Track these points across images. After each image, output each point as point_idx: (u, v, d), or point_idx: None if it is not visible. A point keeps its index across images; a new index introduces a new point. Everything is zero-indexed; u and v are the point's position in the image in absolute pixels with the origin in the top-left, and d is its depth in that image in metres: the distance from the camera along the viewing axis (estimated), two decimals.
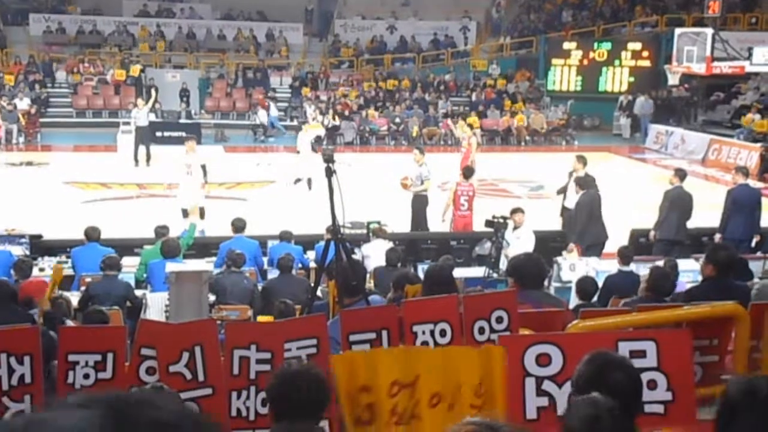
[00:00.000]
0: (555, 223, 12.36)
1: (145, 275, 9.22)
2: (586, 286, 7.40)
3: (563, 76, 29.91)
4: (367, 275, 8.26)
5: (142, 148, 20.28)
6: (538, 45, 30.53)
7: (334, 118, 25.36)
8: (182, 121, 25.42)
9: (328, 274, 6.49)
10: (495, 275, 9.52)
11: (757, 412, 2.32)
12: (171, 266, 7.80)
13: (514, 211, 10.66)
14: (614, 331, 4.20)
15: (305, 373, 3.14)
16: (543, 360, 3.57)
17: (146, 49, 29.94)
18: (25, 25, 30.38)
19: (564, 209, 12.25)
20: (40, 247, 10.66)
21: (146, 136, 20.53)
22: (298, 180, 17.01)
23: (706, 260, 5.93)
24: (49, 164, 20.57)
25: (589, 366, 2.81)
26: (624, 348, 3.60)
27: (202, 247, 10.75)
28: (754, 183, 13.85)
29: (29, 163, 20.89)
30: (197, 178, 13.61)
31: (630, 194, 16.34)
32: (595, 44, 29.81)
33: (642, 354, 3.61)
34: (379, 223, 10.99)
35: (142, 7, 32.11)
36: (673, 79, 22.60)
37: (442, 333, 4.14)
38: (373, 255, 9.80)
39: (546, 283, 8.03)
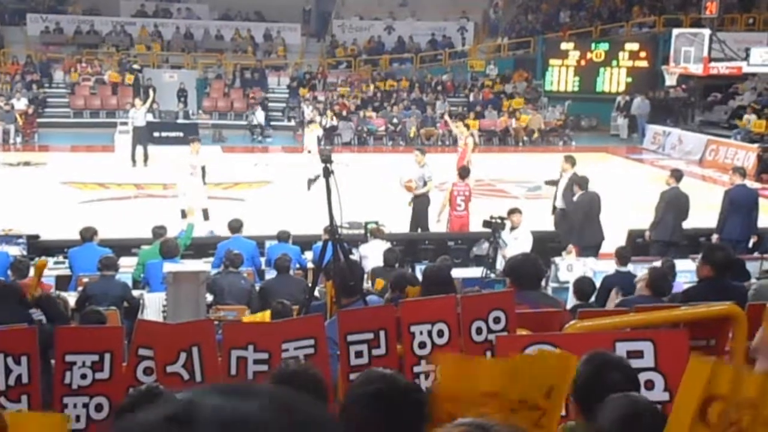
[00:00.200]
0: (552, 224, 12.36)
1: (142, 275, 9.21)
2: (583, 286, 7.40)
3: (561, 77, 29.94)
4: (365, 275, 8.26)
5: (139, 149, 20.27)
6: (535, 45, 30.55)
7: (331, 119, 25.36)
8: (180, 121, 25.39)
9: (326, 274, 6.49)
10: (492, 276, 9.52)
11: None
12: (168, 266, 7.80)
13: (512, 211, 10.67)
14: (612, 331, 4.20)
15: (303, 374, 3.13)
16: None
17: (144, 50, 29.93)
18: (23, 25, 30.35)
19: (554, 208, 12.28)
20: (37, 247, 10.65)
21: (144, 136, 20.51)
22: (314, 178, 16.90)
23: (703, 261, 5.93)
24: (47, 164, 20.55)
25: (587, 366, 2.82)
26: (621, 348, 3.60)
27: (200, 248, 10.75)
28: (751, 183, 13.86)
29: (26, 164, 20.87)
30: (201, 179, 13.69)
31: (627, 195, 16.36)
32: (593, 45, 29.83)
33: (639, 354, 3.62)
34: (376, 223, 10.99)
35: (140, 8, 32.09)
36: (670, 80, 22.63)
37: (440, 333, 4.15)
38: (371, 255, 9.81)
39: (543, 283, 8.03)
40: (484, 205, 13.42)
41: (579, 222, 11.00)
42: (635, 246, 10.86)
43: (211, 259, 9.99)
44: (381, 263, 9.02)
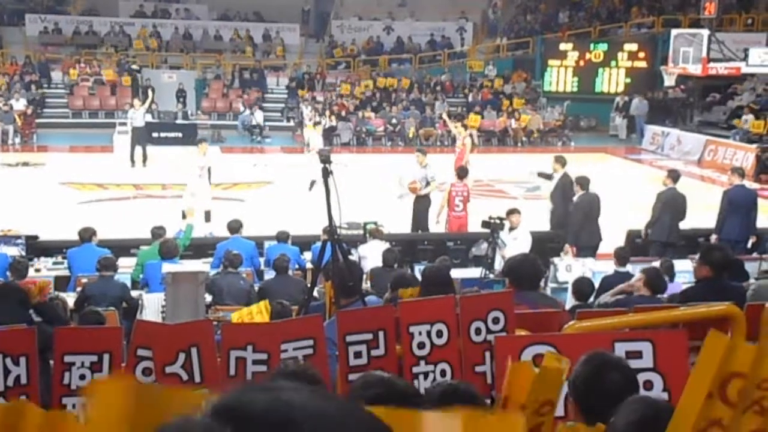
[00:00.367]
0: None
1: (141, 276, 9.21)
2: (582, 286, 7.41)
3: (560, 77, 29.95)
4: (364, 276, 8.26)
5: (138, 149, 20.26)
6: (534, 46, 30.56)
7: (330, 119, 25.35)
8: (179, 121, 25.39)
9: (325, 274, 6.49)
10: (491, 276, 9.52)
11: None
12: (167, 267, 7.80)
13: (511, 212, 10.67)
14: (610, 331, 4.20)
15: (302, 374, 3.13)
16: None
17: (141, 46, 29.92)
18: (21, 25, 30.33)
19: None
20: (36, 248, 10.64)
21: (143, 136, 20.50)
22: (315, 181, 16.92)
23: (701, 261, 5.93)
24: (46, 165, 20.54)
25: (586, 367, 2.82)
26: (620, 349, 3.60)
27: (199, 248, 10.75)
28: (750, 184, 13.86)
29: (25, 164, 20.86)
30: (208, 180, 13.82)
31: (626, 195, 16.36)
32: (592, 45, 29.85)
33: (638, 355, 3.62)
34: (375, 223, 10.99)
35: (139, 8, 32.09)
36: (669, 80, 22.64)
37: (439, 334, 4.15)
38: (370, 256, 9.81)
39: (542, 283, 8.03)
40: (483, 205, 13.42)
41: (578, 222, 11.00)
42: (634, 246, 10.86)
43: (210, 259, 9.99)
44: (380, 264, 9.02)
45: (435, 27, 32.33)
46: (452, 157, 17.19)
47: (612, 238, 10.97)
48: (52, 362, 4.19)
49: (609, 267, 8.87)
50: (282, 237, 10.25)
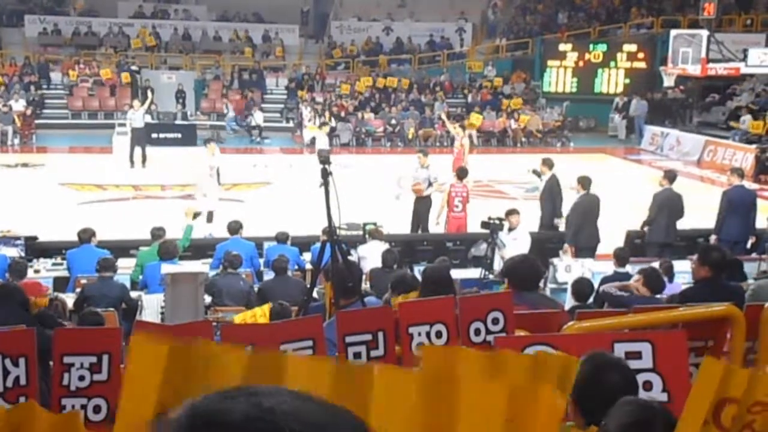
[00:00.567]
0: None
1: (140, 277, 9.20)
2: (581, 287, 7.41)
3: (559, 78, 29.96)
4: (363, 276, 8.25)
5: (137, 150, 20.26)
6: (533, 46, 30.57)
7: (330, 120, 25.35)
8: (178, 122, 25.40)
9: (325, 275, 6.49)
10: (491, 277, 9.52)
11: None
12: (167, 268, 7.80)
13: (510, 212, 10.67)
14: (610, 332, 4.20)
15: None
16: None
17: (140, 45, 29.91)
18: (21, 26, 30.32)
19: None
20: (35, 248, 10.64)
21: (142, 137, 20.50)
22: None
23: (700, 262, 5.92)
24: (45, 166, 20.53)
25: (585, 367, 2.81)
26: (620, 349, 3.60)
27: (199, 249, 10.74)
28: (749, 184, 13.87)
29: (24, 165, 20.85)
30: (217, 181, 14.03)
31: (625, 195, 16.36)
32: (591, 46, 29.86)
33: (638, 355, 3.61)
34: (375, 224, 10.99)
35: (138, 9, 32.09)
36: (668, 81, 22.63)
37: (438, 334, 4.15)
38: (369, 256, 9.80)
39: (542, 284, 8.03)
40: (483, 206, 13.42)
41: (576, 222, 11.00)
42: (633, 247, 10.87)
43: (210, 260, 9.99)
44: (379, 264, 9.02)
45: (434, 27, 32.34)
46: (451, 157, 17.20)
47: (611, 239, 10.96)
48: (51, 363, 4.18)
49: (608, 267, 8.87)
50: (281, 238, 10.25)
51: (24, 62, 28.37)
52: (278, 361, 1.30)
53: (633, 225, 11.84)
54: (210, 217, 13.43)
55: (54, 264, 10.08)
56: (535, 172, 12.57)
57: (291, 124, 27.51)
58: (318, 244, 8.04)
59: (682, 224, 11.34)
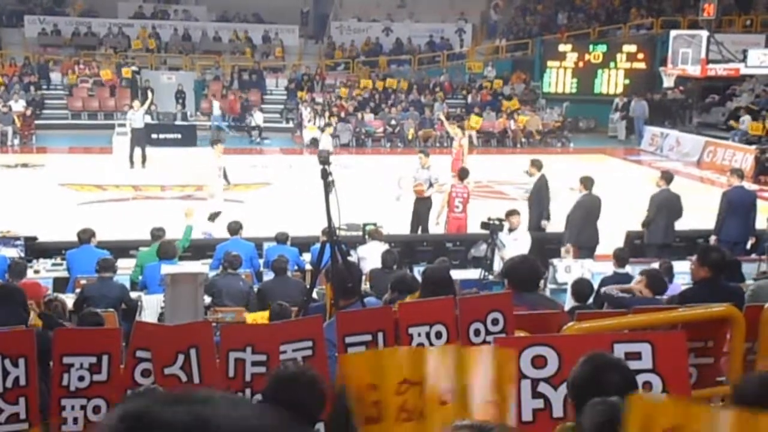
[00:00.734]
0: (550, 225, 12.36)
1: (140, 277, 9.20)
2: (581, 288, 7.41)
3: (559, 79, 29.96)
4: (363, 277, 8.25)
5: (137, 150, 20.26)
6: (533, 47, 30.57)
7: (329, 120, 25.35)
8: (178, 123, 25.39)
9: (325, 276, 6.49)
10: (490, 277, 9.52)
11: None
12: (166, 268, 7.80)
13: (510, 213, 10.67)
14: (610, 332, 4.20)
15: (301, 376, 3.13)
16: (539, 362, 3.57)
17: (142, 50, 29.91)
18: (20, 26, 30.31)
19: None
20: (35, 249, 10.64)
21: (142, 138, 20.50)
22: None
23: (699, 262, 5.92)
24: (45, 166, 20.52)
25: (585, 368, 2.82)
26: (619, 350, 3.60)
27: (198, 249, 10.74)
28: (749, 185, 13.87)
29: (24, 165, 20.85)
30: (225, 181, 14.24)
31: (625, 196, 16.35)
32: (591, 46, 29.86)
33: (637, 356, 3.62)
34: (374, 225, 10.98)
35: (138, 9, 32.09)
36: (668, 82, 22.67)
37: (438, 335, 4.15)
38: (369, 257, 9.80)
39: (541, 285, 8.03)
40: (482, 206, 13.42)
41: (577, 222, 11.00)
42: (633, 247, 10.87)
43: (210, 260, 9.99)
44: (379, 265, 9.02)
45: (434, 28, 32.34)
46: (450, 158, 17.20)
47: (611, 239, 10.97)
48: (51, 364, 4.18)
49: (608, 268, 8.87)
50: (281, 238, 10.24)
51: (24, 62, 28.37)
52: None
53: (633, 225, 11.84)
54: (213, 218, 13.43)
55: (54, 264, 10.08)
56: (526, 173, 12.61)
57: (291, 125, 27.51)
58: (318, 245, 8.03)
59: (681, 225, 11.34)
